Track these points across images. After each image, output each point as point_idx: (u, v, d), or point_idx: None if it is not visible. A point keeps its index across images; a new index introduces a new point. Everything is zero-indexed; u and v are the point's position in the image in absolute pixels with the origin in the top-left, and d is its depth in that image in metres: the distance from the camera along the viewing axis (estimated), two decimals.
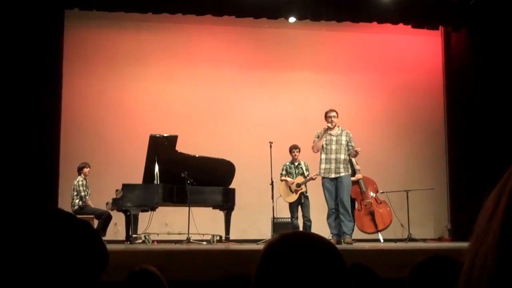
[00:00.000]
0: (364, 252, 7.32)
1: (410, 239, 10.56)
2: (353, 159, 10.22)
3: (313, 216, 10.51)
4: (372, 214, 10.78)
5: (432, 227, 12.79)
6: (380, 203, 10.99)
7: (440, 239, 12.21)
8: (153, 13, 11.12)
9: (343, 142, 9.36)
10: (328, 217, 9.35)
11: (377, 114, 12.96)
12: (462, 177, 11.94)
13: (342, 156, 9.30)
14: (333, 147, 9.30)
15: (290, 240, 1.45)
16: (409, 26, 11.96)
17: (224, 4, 11.05)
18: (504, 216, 0.77)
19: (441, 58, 13.03)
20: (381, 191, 10.98)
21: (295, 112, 12.93)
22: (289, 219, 10.74)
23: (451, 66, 12.68)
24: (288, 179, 10.62)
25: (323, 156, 9.30)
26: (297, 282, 1.36)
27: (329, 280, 1.39)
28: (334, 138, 9.33)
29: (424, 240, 11.06)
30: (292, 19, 11.76)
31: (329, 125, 9.31)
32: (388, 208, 10.96)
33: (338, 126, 9.43)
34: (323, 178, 9.32)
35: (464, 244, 8.98)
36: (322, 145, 9.37)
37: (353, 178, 10.18)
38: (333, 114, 9.38)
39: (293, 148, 10.76)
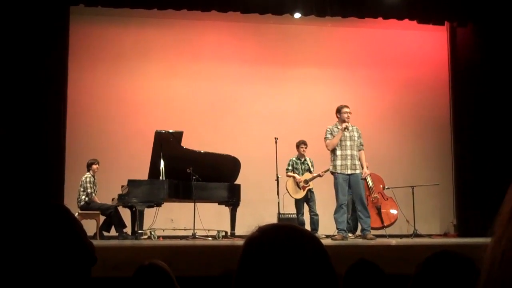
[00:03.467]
0: (369, 248, 7.32)
1: (416, 235, 10.55)
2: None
3: (323, 211, 10.58)
4: (378, 209, 10.78)
5: (437, 223, 12.77)
6: (387, 199, 10.99)
7: (445, 235, 12.19)
8: (158, 9, 11.11)
9: (356, 139, 9.36)
10: (336, 212, 9.30)
11: (382, 110, 12.94)
12: (468, 173, 11.92)
13: (356, 152, 9.31)
14: (348, 143, 9.29)
15: (269, 234, 1.43)
16: (415, 22, 11.92)
17: (229, 0, 11.03)
18: None
19: (446, 54, 12.99)
20: (386, 187, 10.99)
21: (300, 107, 12.93)
22: (295, 215, 10.76)
23: (456, 61, 12.64)
24: (296, 176, 10.64)
25: (339, 152, 9.26)
26: (278, 276, 1.34)
27: (311, 272, 1.36)
28: (348, 135, 9.32)
29: (429, 236, 11.05)
30: (297, 15, 11.73)
31: (348, 124, 9.28)
32: (395, 204, 10.96)
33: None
34: (337, 173, 9.26)
35: (469, 240, 8.99)
36: None
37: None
38: (349, 110, 9.36)
39: (302, 144, 10.76)
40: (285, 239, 1.39)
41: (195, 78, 12.82)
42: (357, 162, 9.29)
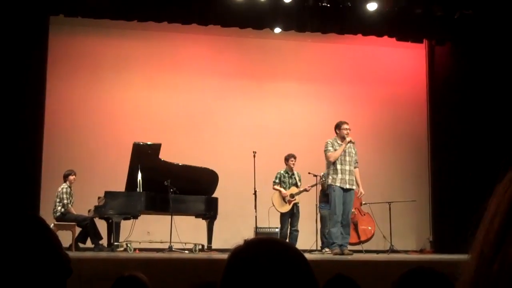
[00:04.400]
0: (347, 263, 7.33)
1: (392, 250, 10.60)
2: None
3: (301, 226, 10.67)
4: (355, 225, 10.82)
5: (414, 239, 12.83)
6: (364, 214, 11.04)
7: (422, 251, 12.25)
8: (139, 20, 11.10)
9: (353, 155, 9.41)
10: (334, 226, 9.25)
11: (361, 126, 12.97)
12: (444, 190, 12.01)
13: (353, 168, 9.36)
14: (347, 158, 9.33)
15: (254, 246, 1.44)
16: (394, 39, 12.03)
17: (210, 14, 11.04)
18: (503, 223, 0.78)
19: (425, 71, 13.12)
20: (364, 203, 11.02)
21: (279, 122, 12.96)
22: (272, 229, 10.78)
23: (434, 79, 12.77)
24: (282, 190, 10.65)
25: (339, 166, 9.28)
26: None
27: (295, 286, 1.37)
28: (346, 150, 9.36)
29: (406, 251, 11.11)
30: (277, 30, 11.78)
31: (350, 138, 9.33)
32: (372, 220, 11.01)
33: None
34: (334, 186, 9.26)
35: (445, 256, 9.03)
36: None
37: None
38: (348, 126, 9.42)
39: (291, 157, 10.77)
40: (270, 252, 1.40)
41: (175, 91, 12.81)
42: (353, 178, 9.35)
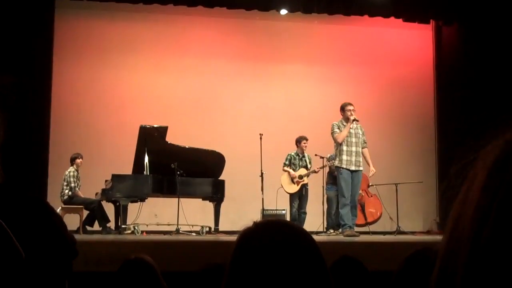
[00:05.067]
0: (353, 245, 7.34)
1: (399, 232, 10.61)
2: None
3: (308, 207, 10.69)
4: (362, 206, 10.82)
5: (420, 220, 12.84)
6: (371, 196, 11.04)
7: (428, 232, 12.26)
8: (144, 3, 11.07)
9: (360, 136, 9.39)
10: (342, 207, 9.23)
11: (367, 107, 12.95)
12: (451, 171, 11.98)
13: (360, 149, 9.34)
14: (353, 139, 9.31)
15: (264, 228, 1.44)
16: (401, 20, 11.97)
17: None
18: (480, 198, 0.72)
19: (432, 52, 13.06)
20: (370, 184, 11.03)
21: (285, 104, 12.94)
22: (279, 211, 10.81)
23: (441, 60, 12.71)
24: (291, 171, 10.66)
25: (345, 148, 9.26)
26: (272, 270, 1.35)
27: (304, 267, 1.38)
28: (352, 132, 9.33)
29: (412, 233, 11.11)
30: (283, 11, 11.74)
31: (355, 117, 9.30)
32: (379, 201, 11.01)
33: None
34: (342, 168, 9.25)
35: None
36: None
37: None
38: (352, 107, 9.38)
39: (303, 139, 10.77)
40: (279, 234, 1.40)
41: (181, 73, 12.79)
42: (361, 159, 9.34)
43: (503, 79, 11.33)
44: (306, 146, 10.78)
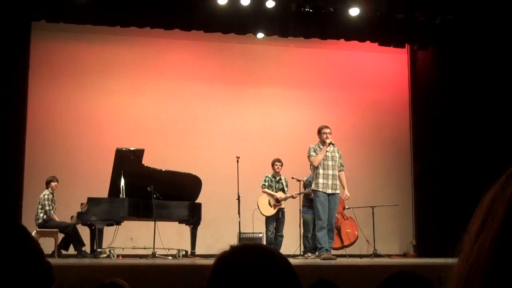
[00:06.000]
0: (330, 268, 7.34)
1: (376, 255, 10.62)
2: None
3: (284, 230, 10.71)
4: (338, 229, 10.83)
5: (397, 243, 12.87)
6: (347, 219, 11.06)
7: (405, 255, 12.29)
8: (121, 26, 11.07)
9: (337, 159, 9.43)
10: (319, 230, 9.25)
11: (344, 131, 13.02)
12: (427, 195, 12.07)
13: (336, 172, 9.37)
14: (330, 163, 9.34)
15: (240, 252, 1.44)
16: (376, 44, 12.09)
17: (192, 19, 11.03)
18: (503, 223, 0.70)
19: (407, 76, 13.18)
20: (347, 207, 11.04)
21: (262, 127, 12.97)
22: (256, 234, 10.78)
23: (416, 84, 12.84)
24: (272, 193, 10.63)
25: (321, 171, 9.29)
26: None
27: None
28: (329, 155, 9.37)
29: (389, 256, 11.14)
30: (260, 35, 11.80)
31: (330, 140, 9.32)
32: (355, 224, 11.03)
33: None
34: (318, 192, 9.28)
35: (428, 260, 9.06)
36: None
37: None
38: (329, 130, 9.43)
39: (276, 161, 10.75)
40: (256, 258, 1.40)
41: (158, 96, 12.77)
42: (337, 183, 9.37)
43: (478, 102, 11.47)
44: (279, 168, 10.76)
